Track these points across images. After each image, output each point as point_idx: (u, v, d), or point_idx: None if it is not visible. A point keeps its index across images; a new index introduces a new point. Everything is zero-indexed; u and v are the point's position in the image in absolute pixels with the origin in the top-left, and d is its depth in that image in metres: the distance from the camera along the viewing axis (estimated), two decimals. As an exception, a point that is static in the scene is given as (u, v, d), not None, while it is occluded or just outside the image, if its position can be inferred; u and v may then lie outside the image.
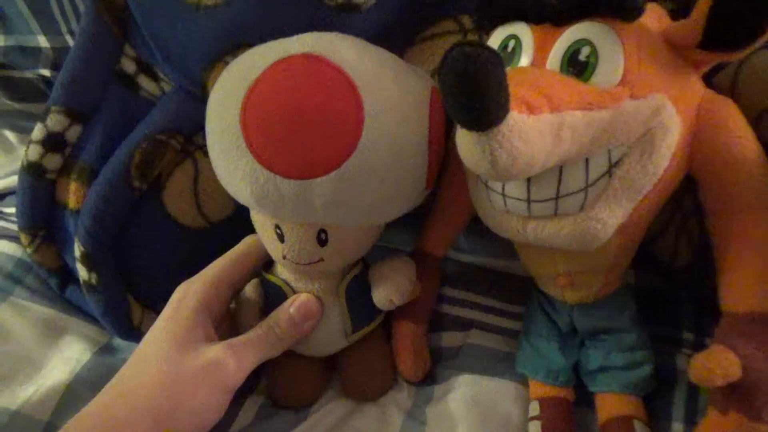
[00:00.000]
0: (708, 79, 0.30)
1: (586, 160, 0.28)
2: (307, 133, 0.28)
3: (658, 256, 0.40)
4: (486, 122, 0.23)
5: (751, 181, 0.29)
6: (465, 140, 0.24)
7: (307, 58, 0.30)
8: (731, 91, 0.32)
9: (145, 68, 0.45)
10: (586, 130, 0.26)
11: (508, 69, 0.28)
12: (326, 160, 0.29)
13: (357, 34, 0.38)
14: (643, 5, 0.26)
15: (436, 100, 0.33)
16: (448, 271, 0.48)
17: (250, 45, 0.34)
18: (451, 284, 0.47)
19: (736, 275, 0.30)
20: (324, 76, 0.29)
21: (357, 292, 0.38)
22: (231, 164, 0.31)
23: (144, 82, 0.45)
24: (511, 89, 0.23)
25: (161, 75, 0.45)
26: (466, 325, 0.44)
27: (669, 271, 0.40)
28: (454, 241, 0.42)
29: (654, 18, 0.29)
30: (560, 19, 0.28)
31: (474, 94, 0.22)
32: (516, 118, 0.23)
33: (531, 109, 0.24)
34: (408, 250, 0.42)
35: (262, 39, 0.33)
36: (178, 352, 0.32)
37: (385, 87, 0.30)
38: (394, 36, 0.39)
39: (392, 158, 0.30)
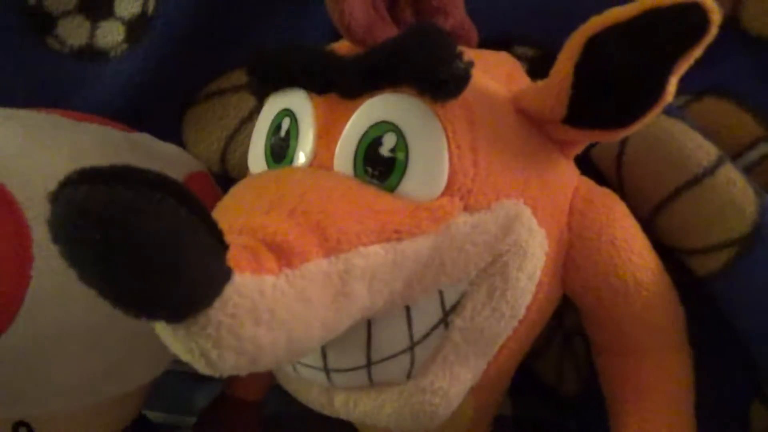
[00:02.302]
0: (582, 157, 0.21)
1: (407, 308, 0.18)
2: None
3: (540, 377, 0.31)
4: (172, 313, 0.12)
5: (648, 314, 0.20)
6: (160, 329, 0.13)
7: None
8: (616, 175, 0.23)
9: None
10: (395, 272, 0.16)
11: (249, 179, 0.17)
12: None
13: (109, 92, 0.27)
14: (466, 74, 0.16)
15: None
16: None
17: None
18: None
19: (633, 429, 0.21)
20: None
21: None
22: None
23: None
24: (251, 224, 0.13)
25: None
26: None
27: (555, 399, 0.31)
28: (270, 380, 0.30)
29: (500, 74, 0.20)
30: (349, 87, 0.17)
31: (123, 272, 0.11)
32: (246, 286, 0.13)
33: (286, 260, 0.14)
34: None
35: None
36: None
37: None
38: (167, 93, 0.27)
39: None
